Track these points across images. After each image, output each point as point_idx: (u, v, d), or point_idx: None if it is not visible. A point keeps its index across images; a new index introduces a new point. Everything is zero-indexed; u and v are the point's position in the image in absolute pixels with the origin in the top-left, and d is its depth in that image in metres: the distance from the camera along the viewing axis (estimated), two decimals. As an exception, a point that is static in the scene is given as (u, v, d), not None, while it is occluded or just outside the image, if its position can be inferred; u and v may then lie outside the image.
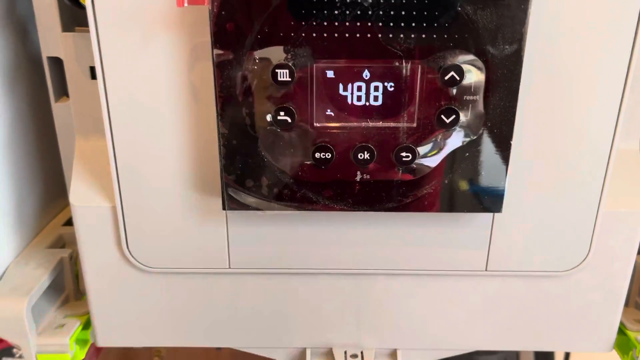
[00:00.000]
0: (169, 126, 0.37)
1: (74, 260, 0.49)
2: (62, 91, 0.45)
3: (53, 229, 0.51)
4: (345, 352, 0.44)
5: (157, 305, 0.43)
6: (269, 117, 0.35)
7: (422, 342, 0.44)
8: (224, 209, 0.37)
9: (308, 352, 0.45)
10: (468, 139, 0.35)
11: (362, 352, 0.44)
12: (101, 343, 0.45)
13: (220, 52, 0.33)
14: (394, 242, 0.40)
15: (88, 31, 0.35)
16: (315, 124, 0.35)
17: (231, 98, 0.35)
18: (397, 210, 0.37)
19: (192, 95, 0.36)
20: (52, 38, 0.42)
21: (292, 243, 0.40)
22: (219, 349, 0.92)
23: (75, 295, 0.49)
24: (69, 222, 0.52)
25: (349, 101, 0.34)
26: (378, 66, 0.33)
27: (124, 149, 0.38)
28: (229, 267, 0.41)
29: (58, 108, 0.45)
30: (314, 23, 0.32)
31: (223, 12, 0.32)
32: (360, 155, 0.35)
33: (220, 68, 0.34)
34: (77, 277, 0.49)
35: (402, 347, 0.44)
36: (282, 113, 0.34)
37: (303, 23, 0.32)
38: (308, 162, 0.36)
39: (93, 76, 0.41)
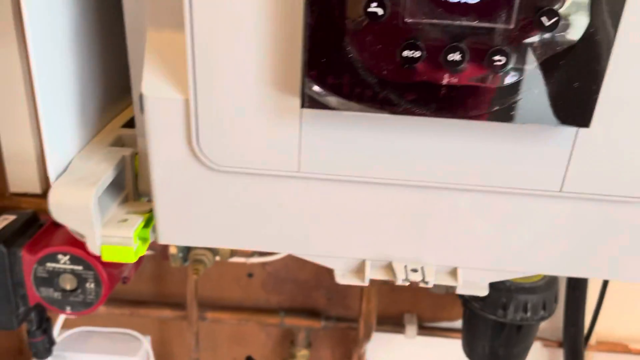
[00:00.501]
0: (251, 16, 0.36)
1: (134, 161, 0.49)
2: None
3: (113, 129, 0.51)
4: (406, 267, 0.44)
5: (221, 205, 0.43)
6: (359, 8, 0.33)
7: (483, 262, 0.44)
8: (302, 106, 0.37)
9: (367, 263, 0.44)
10: (566, 45, 0.33)
11: (422, 268, 0.44)
12: (162, 240, 0.45)
13: None
14: (468, 155, 0.39)
15: None
16: (407, 18, 0.33)
17: (321, -14, 0.33)
18: (481, 119, 0.36)
19: (278, -17, 0.35)
20: None
21: (365, 150, 0.40)
22: (250, 275, 0.94)
23: (134, 196, 0.49)
24: (129, 124, 0.52)
25: (445, -4, 0.33)
26: (482, -43, 0.32)
27: (201, 40, 0.37)
28: (299, 171, 0.41)
29: None
30: None
31: None
32: (451, 56, 0.34)
33: (313, -48, 0.32)
34: (137, 177, 0.49)
35: (463, 265, 0.44)
36: (373, 4, 0.33)
37: None
38: (395, 61, 0.34)
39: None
